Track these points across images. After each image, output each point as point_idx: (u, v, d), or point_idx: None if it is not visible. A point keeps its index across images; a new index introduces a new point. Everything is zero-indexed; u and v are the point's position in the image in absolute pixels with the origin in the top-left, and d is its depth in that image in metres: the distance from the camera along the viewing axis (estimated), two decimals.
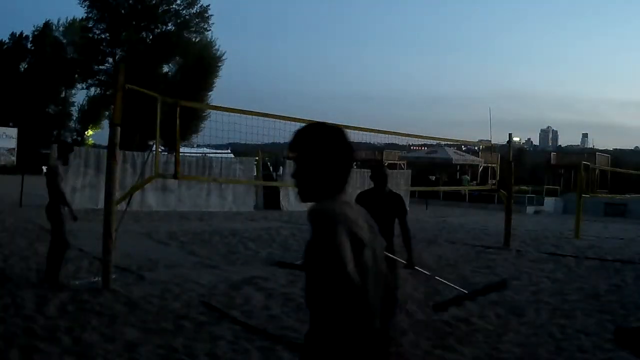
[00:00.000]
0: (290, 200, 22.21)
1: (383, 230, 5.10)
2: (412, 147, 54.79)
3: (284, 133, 9.91)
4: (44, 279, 6.70)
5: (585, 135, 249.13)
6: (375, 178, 5.36)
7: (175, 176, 8.48)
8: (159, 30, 45.80)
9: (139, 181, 10.11)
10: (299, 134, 1.94)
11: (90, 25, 45.60)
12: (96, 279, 6.99)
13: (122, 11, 44.52)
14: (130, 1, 44.56)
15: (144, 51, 42.94)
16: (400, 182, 25.71)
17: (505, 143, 14.45)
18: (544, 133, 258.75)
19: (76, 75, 47.29)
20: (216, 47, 46.90)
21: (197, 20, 46.31)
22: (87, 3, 44.51)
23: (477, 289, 6.44)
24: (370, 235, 1.88)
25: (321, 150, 1.89)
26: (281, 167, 25.63)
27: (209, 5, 46.39)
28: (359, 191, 5.35)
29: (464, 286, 7.97)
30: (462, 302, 6.25)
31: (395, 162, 45.86)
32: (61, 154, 7.01)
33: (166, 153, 21.04)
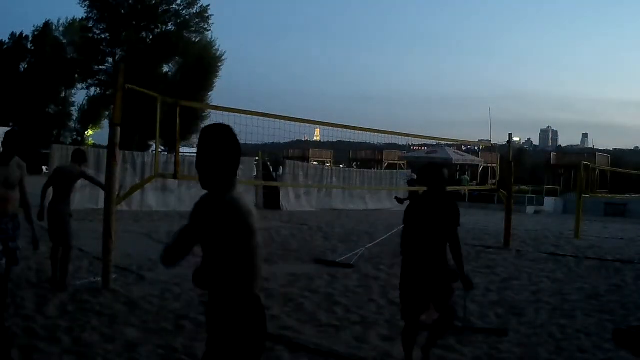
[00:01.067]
0: (290, 200, 22.22)
1: (437, 246, 4.35)
2: (412, 147, 54.82)
3: (284, 133, 9.96)
4: (54, 286, 6.62)
5: (585, 135, 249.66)
6: (429, 182, 4.45)
7: (175, 176, 8.49)
8: (159, 30, 45.76)
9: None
10: (202, 133, 2.38)
11: (90, 25, 45.57)
12: (96, 279, 6.99)
13: (122, 11, 44.49)
14: (130, 1, 44.52)
15: (144, 51, 42.91)
16: (400, 182, 25.75)
17: (505, 143, 14.45)
18: (544, 133, 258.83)
19: (76, 75, 47.27)
20: (216, 47, 46.91)
21: (197, 20, 46.26)
22: (87, 3, 44.50)
23: (474, 326, 5.82)
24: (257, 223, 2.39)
25: (219, 147, 2.32)
26: (281, 167, 25.65)
27: (209, 5, 46.38)
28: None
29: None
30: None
31: (395, 162, 45.93)
32: (76, 160, 7.03)
33: (166, 153, 21.04)
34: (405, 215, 4.50)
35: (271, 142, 13.50)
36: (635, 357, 4.91)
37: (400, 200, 12.47)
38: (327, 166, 35.67)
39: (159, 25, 45.65)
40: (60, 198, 6.77)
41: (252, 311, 2.35)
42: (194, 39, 46.66)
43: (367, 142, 26.14)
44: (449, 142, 34.13)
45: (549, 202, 30.87)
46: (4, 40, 48.04)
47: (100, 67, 46.68)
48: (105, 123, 47.97)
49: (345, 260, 9.51)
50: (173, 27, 45.92)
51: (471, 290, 4.62)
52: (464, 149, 41.07)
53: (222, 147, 2.32)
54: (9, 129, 8.22)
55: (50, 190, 6.79)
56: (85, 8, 44.94)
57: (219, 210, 2.27)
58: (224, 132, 2.35)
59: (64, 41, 48.63)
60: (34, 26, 49.59)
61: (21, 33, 48.48)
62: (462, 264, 4.47)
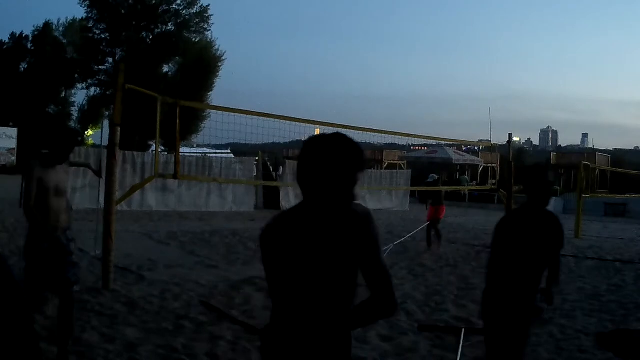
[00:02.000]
0: (290, 200, 22.19)
1: (534, 268, 3.58)
2: (412, 147, 54.89)
3: (284, 133, 9.95)
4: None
5: (585, 135, 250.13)
6: (533, 188, 3.45)
7: (175, 176, 8.48)
8: (159, 30, 45.74)
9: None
10: (335, 143, 2.00)
11: (90, 25, 45.55)
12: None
13: (122, 11, 44.49)
14: (130, 1, 44.52)
15: (144, 51, 42.91)
16: (400, 182, 25.74)
17: (505, 143, 14.42)
18: (544, 133, 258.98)
19: (76, 75, 47.27)
20: (216, 47, 46.91)
21: (197, 20, 46.26)
22: (87, 3, 44.46)
23: (474, 326, 5.68)
24: None
25: (356, 160, 2.02)
26: (281, 167, 25.63)
27: (209, 5, 46.36)
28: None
29: (466, 287, 7.99)
30: (450, 332, 5.58)
31: (395, 162, 45.92)
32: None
33: (166, 153, 21.02)
34: (497, 232, 3.52)
35: (271, 142, 13.49)
36: (621, 359, 4.96)
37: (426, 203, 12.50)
38: None
39: (159, 25, 45.63)
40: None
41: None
42: (194, 39, 46.64)
43: (367, 142, 26.15)
44: (449, 142, 34.14)
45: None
46: (4, 40, 48.00)
47: (100, 67, 46.65)
48: (106, 123, 47.90)
49: None
50: (173, 27, 45.91)
51: (550, 305, 3.89)
52: (464, 149, 41.09)
53: (358, 159, 2.02)
54: (63, 125, 8.12)
55: None
56: (85, 8, 44.95)
57: (356, 224, 1.97)
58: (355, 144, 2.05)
59: (64, 41, 48.62)
60: (34, 26, 49.59)
61: (21, 33, 48.44)
62: (554, 282, 3.84)
